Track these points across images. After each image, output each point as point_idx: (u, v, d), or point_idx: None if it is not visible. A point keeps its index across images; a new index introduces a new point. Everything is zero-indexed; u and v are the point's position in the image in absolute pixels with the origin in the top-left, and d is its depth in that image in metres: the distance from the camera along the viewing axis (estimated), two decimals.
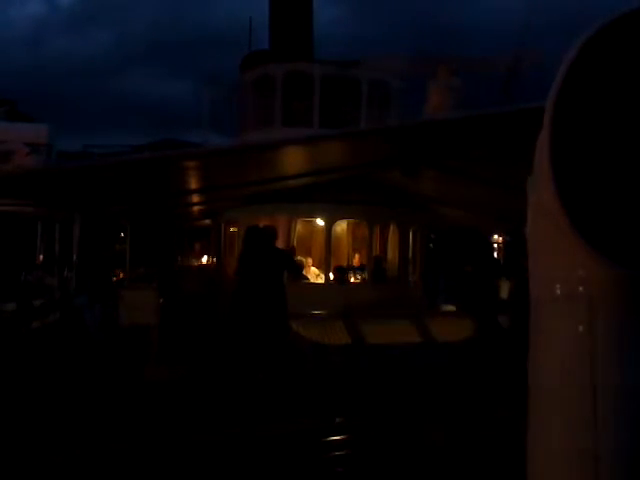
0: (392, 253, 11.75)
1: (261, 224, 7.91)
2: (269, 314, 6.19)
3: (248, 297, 6.29)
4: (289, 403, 4.92)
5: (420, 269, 11.87)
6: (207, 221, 14.04)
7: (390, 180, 9.87)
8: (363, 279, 10.89)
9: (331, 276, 10.50)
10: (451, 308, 11.30)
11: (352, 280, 10.94)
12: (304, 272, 10.11)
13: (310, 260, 10.98)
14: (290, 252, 8.24)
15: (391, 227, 11.62)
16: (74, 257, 9.03)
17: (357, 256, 11.77)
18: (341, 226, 11.91)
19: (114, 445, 4.37)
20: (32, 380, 5.92)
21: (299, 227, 11.00)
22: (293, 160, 8.22)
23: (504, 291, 11.30)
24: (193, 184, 9.16)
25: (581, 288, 1.42)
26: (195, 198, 11.02)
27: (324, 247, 10.64)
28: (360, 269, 11.18)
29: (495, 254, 14.84)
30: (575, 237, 1.29)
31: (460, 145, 6.63)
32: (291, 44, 12.66)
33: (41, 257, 9.79)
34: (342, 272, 10.67)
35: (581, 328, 1.42)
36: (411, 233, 11.70)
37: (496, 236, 14.10)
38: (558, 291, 1.45)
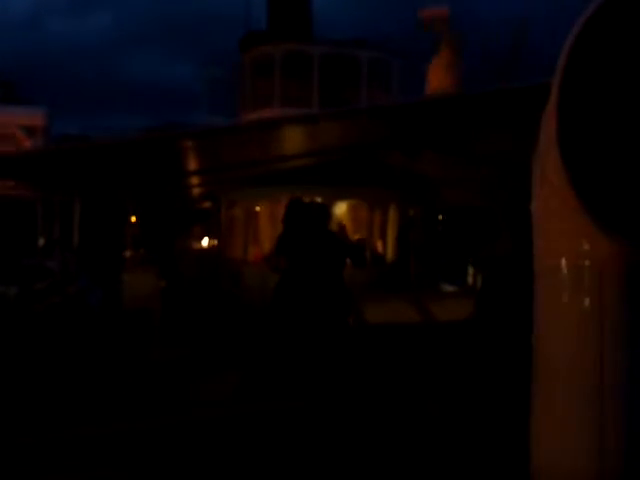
0: (392, 234, 11.79)
1: (306, 200, 5.98)
2: (324, 321, 4.92)
3: (298, 297, 4.92)
4: (291, 381, 4.96)
5: (421, 250, 11.91)
6: (207, 203, 14.03)
7: (391, 161, 9.86)
8: None
9: None
10: (452, 289, 11.35)
11: None
12: None
13: None
14: (359, 242, 5.97)
15: (391, 208, 11.63)
16: (74, 240, 9.07)
17: (357, 237, 11.79)
18: (341, 208, 11.92)
19: (117, 425, 4.43)
20: (36, 362, 5.97)
21: None
22: (292, 139, 8.20)
23: None
24: (192, 165, 9.14)
25: (587, 261, 1.44)
26: (194, 179, 11.01)
27: None
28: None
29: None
30: (581, 211, 1.31)
31: (461, 123, 6.61)
32: (289, 23, 12.58)
33: (42, 241, 9.80)
34: None
35: (587, 301, 1.45)
36: (412, 214, 11.71)
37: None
38: (564, 264, 1.48)
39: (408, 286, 9.66)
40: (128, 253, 12.45)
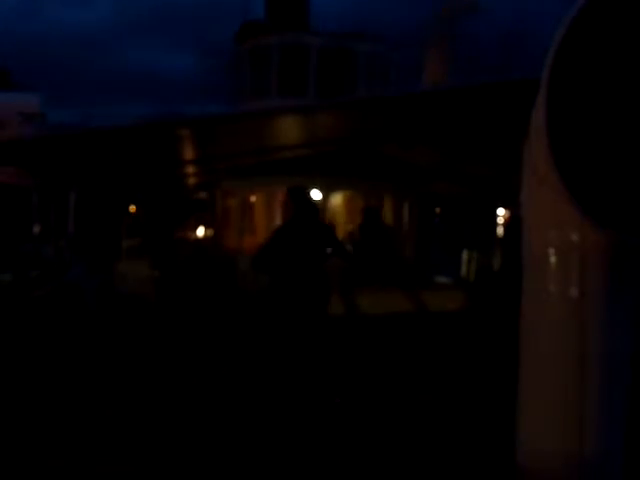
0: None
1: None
2: (308, 313, 4.82)
3: (292, 291, 4.77)
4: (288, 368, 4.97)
5: (415, 242, 11.94)
6: (203, 193, 14.02)
7: (387, 153, 9.86)
8: None
9: None
10: (445, 280, 11.38)
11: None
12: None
13: None
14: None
15: (386, 200, 11.65)
16: (69, 228, 9.04)
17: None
18: (337, 198, 11.94)
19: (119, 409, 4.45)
20: (31, 348, 5.97)
21: None
22: (287, 130, 8.18)
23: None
24: (188, 153, 9.11)
25: (574, 251, 1.44)
26: (190, 169, 10.98)
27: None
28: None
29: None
30: (569, 202, 1.31)
31: (455, 116, 6.60)
32: (286, 14, 12.53)
33: (37, 228, 9.77)
34: None
35: (573, 289, 1.45)
36: (406, 206, 11.73)
37: (502, 210, 13.90)
38: (552, 255, 1.48)
39: (375, 277, 9.58)
40: (125, 242, 12.44)
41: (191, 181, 13.02)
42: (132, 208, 13.01)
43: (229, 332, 7.09)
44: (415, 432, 4.15)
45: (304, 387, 4.58)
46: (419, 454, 3.80)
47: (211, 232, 12.97)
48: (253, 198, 11.95)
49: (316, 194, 11.11)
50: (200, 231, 14.58)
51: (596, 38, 1.27)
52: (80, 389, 4.91)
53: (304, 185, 5.23)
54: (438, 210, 14.01)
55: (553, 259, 1.44)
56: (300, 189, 5.04)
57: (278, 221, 10.66)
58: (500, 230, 13.99)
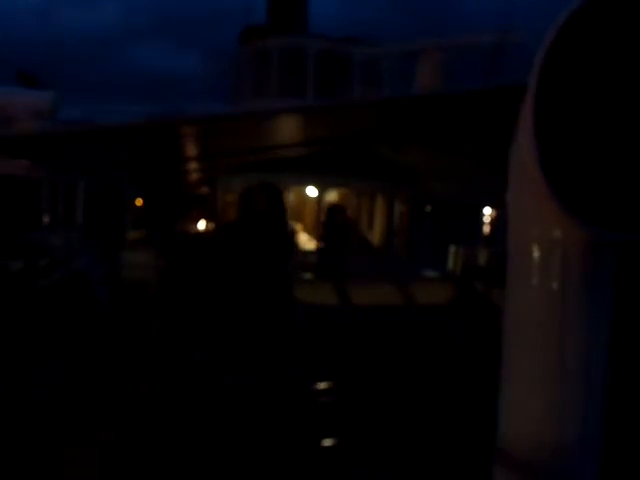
0: (379, 222, 11.84)
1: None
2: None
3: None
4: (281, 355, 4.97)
5: (405, 238, 11.97)
6: (205, 189, 14.01)
7: (382, 153, 9.86)
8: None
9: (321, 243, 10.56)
10: (433, 274, 11.41)
11: None
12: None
13: (300, 226, 11.08)
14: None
15: (378, 198, 11.67)
16: (77, 218, 9.03)
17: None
18: (332, 196, 11.95)
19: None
20: (41, 333, 5.96)
21: (292, 196, 11.02)
22: (285, 129, 8.16)
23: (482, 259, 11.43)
24: (190, 151, 9.09)
25: (557, 248, 1.45)
26: (192, 165, 10.96)
27: (315, 215, 10.69)
28: None
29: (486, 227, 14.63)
30: (552, 200, 1.32)
31: (446, 119, 6.61)
32: (287, 19, 12.51)
33: (46, 219, 9.75)
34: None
35: (555, 286, 1.46)
36: (398, 204, 11.76)
37: (489, 209, 13.92)
38: (535, 250, 1.49)
39: (333, 272, 9.56)
40: (131, 233, 12.42)
41: (193, 177, 13.00)
42: (139, 202, 12.99)
43: (221, 317, 7.06)
44: (399, 418, 4.17)
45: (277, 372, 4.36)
46: (403, 440, 3.81)
47: (212, 225, 12.97)
48: None
49: (312, 191, 11.13)
50: (201, 224, 14.56)
51: (590, 41, 1.27)
52: (84, 373, 4.90)
53: (275, 184, 4.93)
54: (428, 208, 14.04)
55: (536, 254, 1.45)
56: (272, 187, 4.58)
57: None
58: (486, 227, 14.00)
